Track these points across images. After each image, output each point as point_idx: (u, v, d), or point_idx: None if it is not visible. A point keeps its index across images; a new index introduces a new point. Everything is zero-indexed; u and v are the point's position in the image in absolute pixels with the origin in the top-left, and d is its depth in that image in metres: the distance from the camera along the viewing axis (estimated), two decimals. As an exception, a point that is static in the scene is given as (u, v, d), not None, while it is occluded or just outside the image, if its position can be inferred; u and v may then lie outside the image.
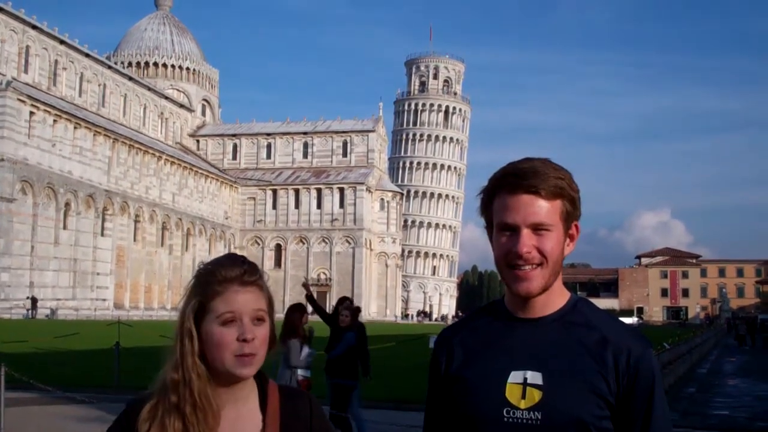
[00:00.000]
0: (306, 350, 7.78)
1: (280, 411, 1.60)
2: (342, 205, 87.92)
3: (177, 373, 1.53)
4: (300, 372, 7.72)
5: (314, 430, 1.62)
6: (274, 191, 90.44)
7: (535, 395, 1.52)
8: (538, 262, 1.55)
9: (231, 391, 1.57)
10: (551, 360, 1.55)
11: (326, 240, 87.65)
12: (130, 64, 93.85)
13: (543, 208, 1.55)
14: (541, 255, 1.55)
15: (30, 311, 54.40)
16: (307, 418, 1.62)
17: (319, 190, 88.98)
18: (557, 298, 1.62)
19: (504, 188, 1.58)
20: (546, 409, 1.50)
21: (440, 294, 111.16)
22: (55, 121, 61.95)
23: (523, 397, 1.52)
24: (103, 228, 66.93)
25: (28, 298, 55.58)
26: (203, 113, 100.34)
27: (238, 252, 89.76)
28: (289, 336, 7.59)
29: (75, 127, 64.41)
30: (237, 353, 1.52)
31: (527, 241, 1.55)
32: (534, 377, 1.53)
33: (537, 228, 1.55)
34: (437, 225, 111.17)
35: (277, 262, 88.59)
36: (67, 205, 62.16)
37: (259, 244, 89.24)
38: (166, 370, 1.54)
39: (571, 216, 1.59)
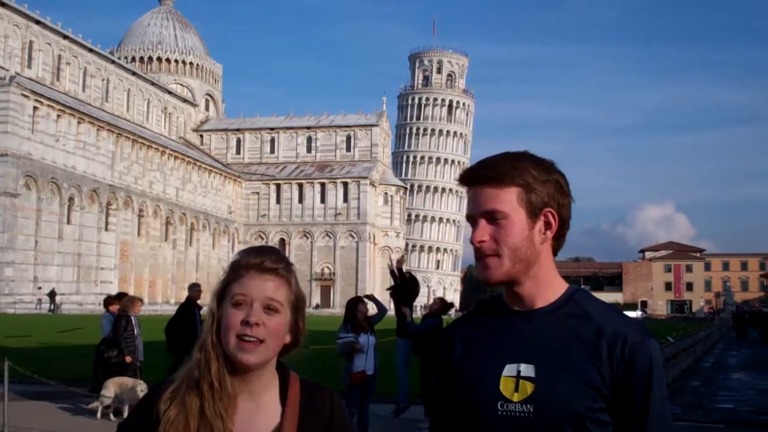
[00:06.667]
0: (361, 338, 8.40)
1: (299, 404, 1.59)
2: (346, 199, 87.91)
3: (200, 353, 1.55)
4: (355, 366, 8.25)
5: (334, 425, 1.60)
6: (278, 186, 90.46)
7: (528, 388, 1.51)
8: (494, 252, 1.55)
9: (244, 380, 1.56)
10: (544, 352, 1.53)
11: (330, 234, 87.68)
12: (133, 59, 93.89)
13: (493, 196, 1.55)
14: (498, 244, 1.55)
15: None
16: (327, 413, 1.61)
17: (322, 185, 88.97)
18: (549, 290, 1.59)
19: (465, 185, 1.61)
20: (538, 401, 1.49)
21: (444, 288, 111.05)
22: (58, 116, 62.02)
23: (516, 390, 1.52)
24: (107, 223, 67.05)
25: (40, 288, 55.56)
26: (207, 108, 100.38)
27: (241, 246, 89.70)
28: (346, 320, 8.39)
29: (78, 122, 64.48)
30: (239, 334, 1.52)
31: (480, 230, 1.55)
32: (527, 370, 1.52)
33: (491, 217, 1.55)
34: (441, 219, 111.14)
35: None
36: (71, 199, 62.26)
37: (262, 239, 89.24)
38: (193, 352, 1.58)
39: (535, 203, 1.55)
